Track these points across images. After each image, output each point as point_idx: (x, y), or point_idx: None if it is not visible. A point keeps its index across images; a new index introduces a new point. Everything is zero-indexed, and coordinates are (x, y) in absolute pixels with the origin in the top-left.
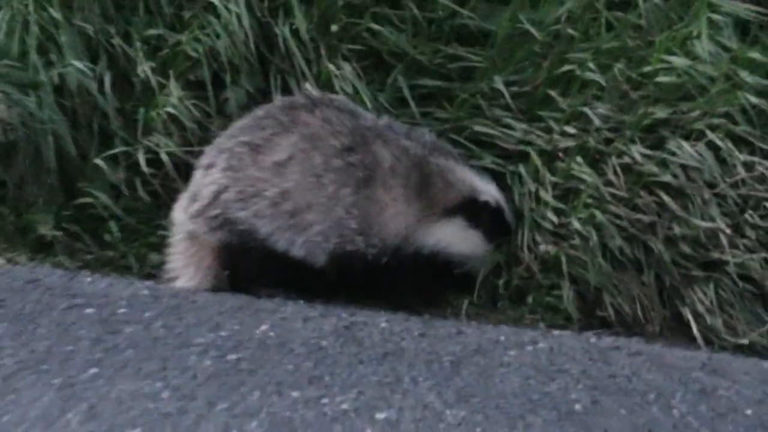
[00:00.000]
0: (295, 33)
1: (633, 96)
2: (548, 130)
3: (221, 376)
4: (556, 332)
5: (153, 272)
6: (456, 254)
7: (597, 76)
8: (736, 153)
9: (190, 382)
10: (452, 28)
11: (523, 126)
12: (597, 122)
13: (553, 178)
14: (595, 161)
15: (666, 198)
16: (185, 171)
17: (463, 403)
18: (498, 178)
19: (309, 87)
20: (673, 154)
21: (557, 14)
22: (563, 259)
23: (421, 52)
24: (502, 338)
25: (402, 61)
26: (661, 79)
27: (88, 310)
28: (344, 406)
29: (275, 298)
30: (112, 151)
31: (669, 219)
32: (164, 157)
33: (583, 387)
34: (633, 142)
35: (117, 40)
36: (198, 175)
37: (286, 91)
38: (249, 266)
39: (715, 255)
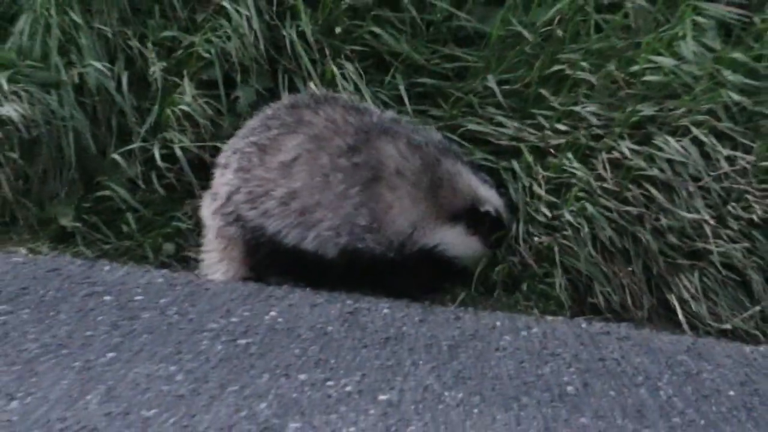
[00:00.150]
0: (301, 35)
1: (621, 94)
2: (540, 128)
3: (232, 360)
4: (548, 318)
5: (168, 261)
6: (456, 256)
7: (587, 76)
8: (720, 148)
9: (203, 366)
10: (449, 30)
11: (515, 124)
12: (587, 120)
13: (546, 173)
14: (586, 157)
15: (653, 191)
16: (198, 165)
17: (460, 385)
18: (492, 173)
19: (313, 86)
20: (660, 149)
21: (548, 16)
22: (556, 249)
23: (419, 53)
24: (498, 324)
25: (401, 61)
26: (648, 78)
27: (107, 297)
28: (348, 388)
29: (284, 285)
30: (129, 147)
31: (656, 211)
32: (178, 153)
33: (575, 370)
34: (622, 138)
35: (134, 42)
36: (217, 174)
37: (293, 90)
38: (261, 258)
39: (700, 245)
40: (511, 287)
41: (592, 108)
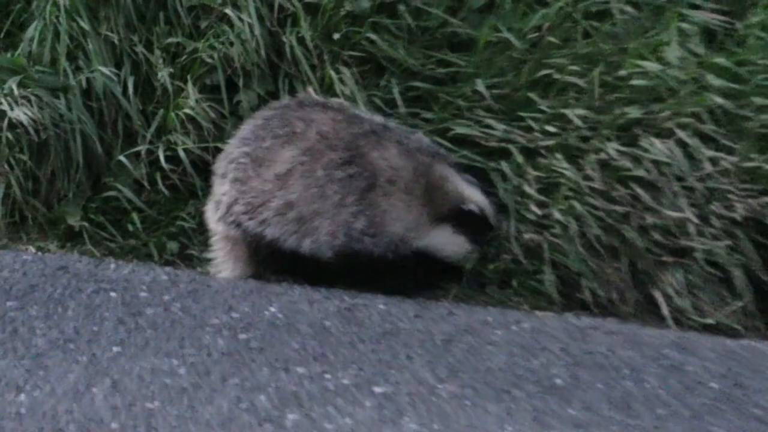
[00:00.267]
0: (301, 41)
1: (609, 98)
2: (529, 130)
3: (233, 354)
4: (539, 313)
5: (172, 259)
6: (445, 256)
7: (575, 80)
8: (703, 149)
9: (205, 360)
10: (444, 36)
11: (504, 126)
12: (575, 123)
13: (536, 173)
14: (574, 157)
15: (639, 190)
16: (202, 167)
17: (454, 378)
18: (481, 174)
19: (312, 90)
20: (646, 150)
21: (537, 23)
22: (545, 246)
23: (414, 58)
24: (490, 319)
25: (397, 66)
26: (635, 82)
27: (113, 294)
28: (345, 381)
29: (283, 283)
30: (134, 149)
31: (642, 210)
32: (182, 155)
33: (564, 363)
34: (609, 139)
35: (140, 48)
36: (216, 183)
37: (294, 93)
38: (261, 258)
39: (684, 242)
40: (502, 283)
41: (580, 111)
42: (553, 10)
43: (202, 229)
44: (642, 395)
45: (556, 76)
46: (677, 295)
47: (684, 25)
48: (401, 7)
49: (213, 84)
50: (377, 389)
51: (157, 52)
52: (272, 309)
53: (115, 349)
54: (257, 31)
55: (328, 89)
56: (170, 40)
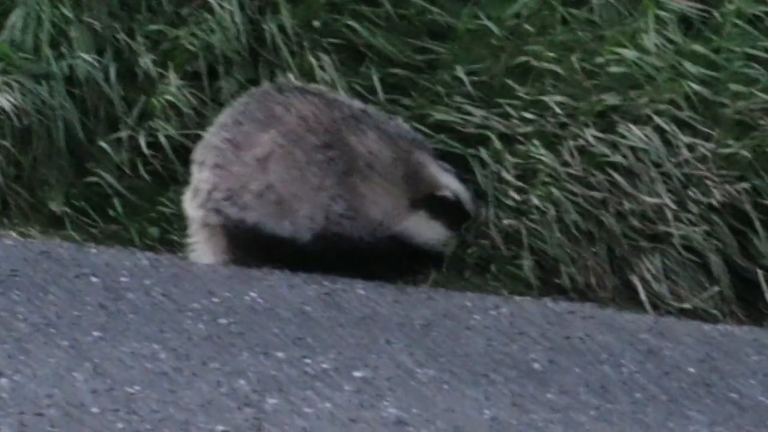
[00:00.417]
0: (281, 29)
1: (586, 84)
2: (507, 116)
3: (213, 339)
4: (517, 298)
5: (153, 244)
6: (422, 242)
7: (553, 66)
8: (680, 136)
9: (186, 344)
10: (423, 24)
11: (482, 113)
12: (553, 109)
13: (514, 159)
14: (552, 144)
15: (617, 177)
16: (183, 153)
17: (432, 362)
18: (459, 160)
19: (292, 77)
20: (624, 137)
21: (515, 10)
22: (523, 232)
23: (393, 46)
24: (468, 304)
25: (376, 53)
26: (612, 69)
27: (94, 279)
28: (325, 366)
29: (263, 268)
30: (116, 135)
31: (619, 195)
32: (163, 141)
33: (542, 348)
34: (587, 126)
35: (122, 35)
36: (194, 171)
37: (274, 80)
38: (242, 245)
39: (661, 228)
40: (481, 269)
41: (558, 98)
42: None
43: (183, 215)
44: (619, 380)
45: (534, 63)
46: (655, 280)
47: (661, 13)
48: None
49: (194, 71)
50: (356, 373)
51: (139, 39)
52: (252, 294)
53: (96, 333)
54: (238, 18)
55: (308, 76)
56: (152, 27)
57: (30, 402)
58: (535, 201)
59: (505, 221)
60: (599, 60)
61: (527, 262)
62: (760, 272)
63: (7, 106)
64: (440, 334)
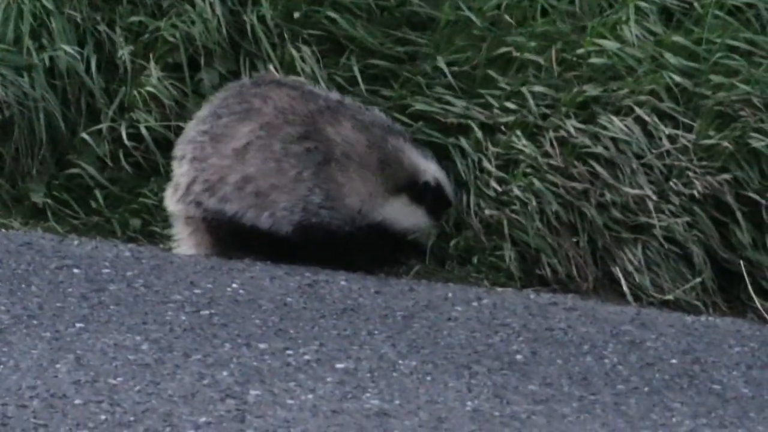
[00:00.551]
0: (262, 20)
1: (567, 75)
2: (488, 107)
3: (195, 330)
4: (499, 289)
5: (134, 236)
6: (402, 228)
7: (534, 57)
8: (662, 127)
9: (168, 335)
10: (403, 15)
11: (463, 103)
12: (534, 100)
13: (495, 149)
14: (533, 135)
15: (598, 168)
16: (164, 144)
17: (414, 353)
18: (441, 150)
19: (272, 69)
20: (605, 128)
21: (496, 2)
22: (505, 223)
23: (373, 37)
24: (450, 295)
25: (357, 44)
26: (593, 60)
27: (76, 270)
28: (307, 357)
29: (245, 259)
30: (97, 127)
31: (601, 186)
32: (144, 132)
33: (524, 339)
34: (568, 117)
35: (102, 27)
36: (175, 166)
37: (255, 71)
38: (222, 237)
39: (643, 219)
40: (463, 260)
41: (539, 88)
42: None
43: (164, 206)
44: (602, 371)
45: (515, 54)
46: (636, 271)
47: (641, 4)
48: None
49: (175, 62)
50: (339, 365)
51: (120, 31)
52: (234, 285)
53: (78, 324)
54: (219, 10)
55: (288, 68)
56: (133, 18)
57: (13, 393)
58: (517, 191)
59: (487, 212)
60: (580, 51)
61: (509, 253)
62: (741, 263)
63: None
64: (422, 326)
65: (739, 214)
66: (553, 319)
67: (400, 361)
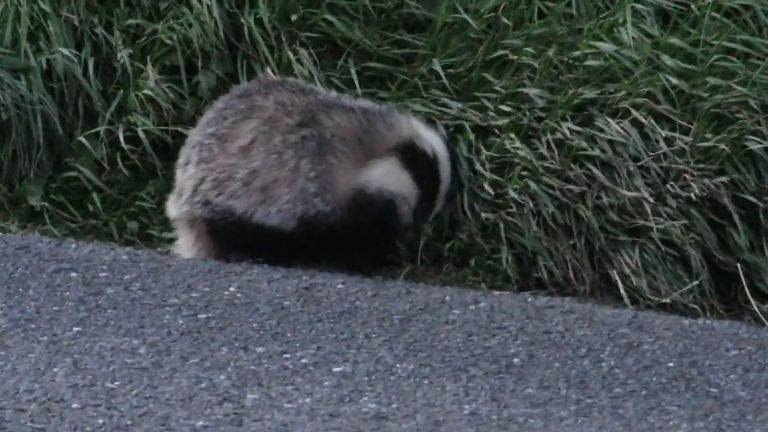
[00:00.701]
0: (259, 22)
1: (564, 78)
2: (483, 109)
3: (193, 333)
4: (496, 292)
5: (132, 239)
6: (387, 192)
7: (530, 60)
8: (658, 129)
9: (165, 339)
10: (400, 17)
11: (458, 105)
12: (530, 103)
13: (489, 153)
14: (529, 137)
15: (595, 170)
16: (161, 147)
17: (411, 357)
18: None
19: (270, 71)
20: (601, 130)
21: (492, 4)
22: (501, 225)
23: (370, 39)
24: (447, 298)
25: (354, 47)
26: (590, 62)
27: (73, 274)
28: (304, 360)
29: (242, 262)
30: (95, 130)
31: (597, 189)
32: (142, 135)
33: (521, 342)
34: (564, 119)
35: (100, 30)
36: (179, 174)
37: (252, 74)
38: (228, 236)
39: (640, 222)
40: (460, 262)
41: (535, 91)
42: None
43: (162, 209)
44: (599, 374)
45: (512, 56)
46: (633, 274)
47: (638, 6)
48: None
49: (172, 65)
50: (336, 368)
51: (118, 34)
52: (231, 288)
53: (75, 328)
54: (216, 12)
55: (286, 70)
56: (130, 21)
57: (10, 397)
58: (513, 194)
59: (483, 214)
60: (576, 53)
61: (506, 256)
62: (738, 266)
63: None
64: (419, 329)
65: (736, 217)
66: (550, 322)
67: (398, 365)
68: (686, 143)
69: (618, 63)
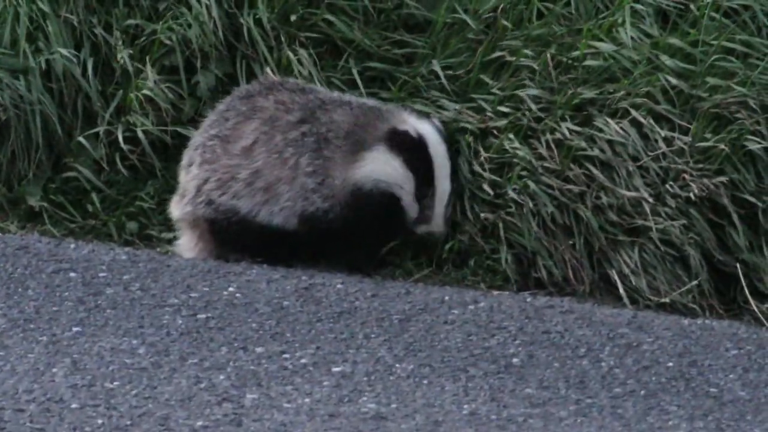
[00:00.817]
0: (258, 23)
1: (563, 78)
2: (481, 110)
3: (192, 334)
4: (495, 292)
5: (131, 239)
6: (379, 180)
7: (528, 62)
8: (658, 129)
9: (164, 339)
10: (400, 17)
11: (456, 106)
12: (530, 104)
13: (488, 153)
14: (528, 138)
15: (594, 170)
16: (160, 147)
17: (411, 357)
18: None
19: (269, 72)
20: (601, 130)
21: (492, 4)
22: (501, 225)
23: (370, 39)
24: (447, 298)
25: (354, 47)
26: (589, 62)
27: (72, 274)
28: (304, 360)
29: (242, 262)
30: (94, 130)
31: (597, 189)
32: (141, 135)
33: (520, 342)
34: (563, 119)
35: (99, 30)
36: (182, 175)
37: (251, 75)
38: (230, 236)
39: (639, 222)
40: (459, 263)
41: (533, 91)
42: None
43: (161, 209)
44: (598, 374)
45: (510, 58)
46: (633, 274)
47: (637, 6)
48: None
49: (171, 65)
50: (335, 368)
51: (117, 34)
52: (231, 288)
53: (75, 328)
54: (215, 12)
55: (286, 70)
56: (129, 21)
57: (9, 397)
58: (512, 194)
59: (482, 215)
60: (575, 53)
61: (505, 256)
62: (738, 266)
63: None
64: (419, 329)
65: (735, 217)
66: (549, 322)
67: (397, 365)
68: (685, 143)
69: (617, 63)
